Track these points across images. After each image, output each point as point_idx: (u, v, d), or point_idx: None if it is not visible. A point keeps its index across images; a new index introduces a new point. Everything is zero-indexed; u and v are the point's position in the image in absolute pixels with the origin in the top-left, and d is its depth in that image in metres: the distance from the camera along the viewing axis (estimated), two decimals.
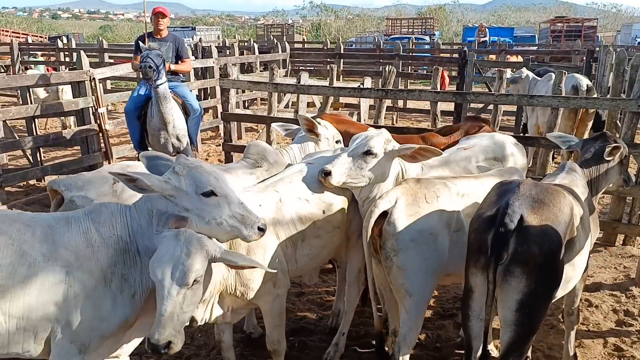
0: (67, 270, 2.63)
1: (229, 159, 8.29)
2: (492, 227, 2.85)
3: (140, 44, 6.91)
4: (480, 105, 13.93)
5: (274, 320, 3.53)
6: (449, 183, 3.51)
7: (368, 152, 3.63)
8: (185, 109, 7.27)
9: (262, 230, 2.91)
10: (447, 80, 14.65)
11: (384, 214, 3.27)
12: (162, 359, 3.98)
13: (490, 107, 11.25)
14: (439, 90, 8.97)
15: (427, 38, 34.04)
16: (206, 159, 10.75)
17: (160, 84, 6.56)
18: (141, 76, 6.66)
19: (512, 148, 4.50)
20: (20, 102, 10.86)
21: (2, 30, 36.35)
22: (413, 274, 3.22)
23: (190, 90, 8.00)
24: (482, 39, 26.50)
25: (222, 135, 12.22)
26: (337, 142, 4.55)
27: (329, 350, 4.17)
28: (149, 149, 7.25)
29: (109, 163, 9.11)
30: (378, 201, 3.29)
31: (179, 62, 7.54)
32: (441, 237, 3.28)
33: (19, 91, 11.40)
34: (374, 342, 3.67)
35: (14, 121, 10.64)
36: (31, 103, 9.37)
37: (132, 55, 8.15)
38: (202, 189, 2.79)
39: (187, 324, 2.71)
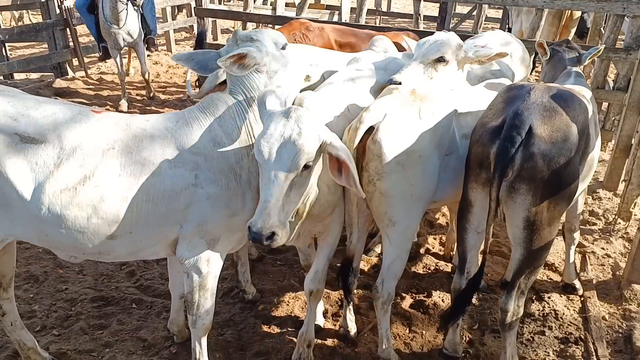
0: (196, 174, 2.51)
1: None
2: (496, 139, 2.56)
3: None
4: (466, 11, 13.59)
5: (332, 251, 3.10)
6: (449, 96, 3.05)
7: (440, 59, 3.23)
8: None
9: None
10: None
11: (370, 130, 2.75)
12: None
13: (475, 12, 10.97)
14: None
15: None
16: None
17: None
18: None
19: (509, 37, 4.44)
20: None
21: None
22: (398, 202, 2.80)
23: None
24: None
25: (196, 33, 11.81)
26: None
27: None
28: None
29: (78, 61, 8.78)
30: (364, 114, 2.71)
31: None
32: (431, 161, 2.83)
33: None
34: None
35: None
36: None
37: None
38: (281, 43, 2.79)
39: (292, 220, 2.42)
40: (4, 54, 8.60)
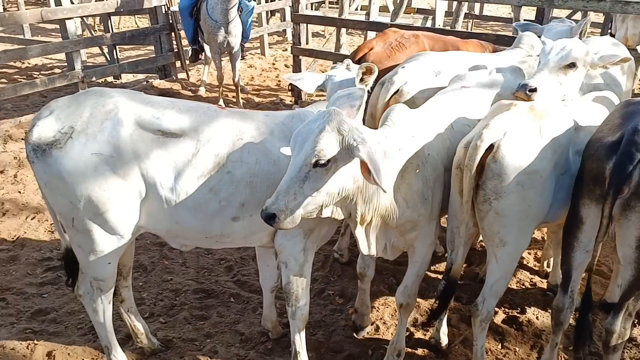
0: None
1: (297, 63, 8.20)
2: (613, 155, 2.50)
3: None
4: (563, 15, 13.00)
5: (421, 269, 3.11)
6: (566, 112, 2.95)
7: (571, 65, 3.20)
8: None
9: None
10: None
11: (489, 149, 2.69)
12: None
13: (576, 16, 10.49)
14: None
15: None
16: (273, 64, 10.72)
17: None
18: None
19: (618, 43, 4.33)
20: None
21: None
22: (512, 222, 2.75)
23: None
24: None
25: (289, 39, 12.11)
26: None
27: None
28: (203, 45, 8.11)
29: (181, 63, 9.29)
30: (484, 132, 2.66)
31: None
32: (550, 181, 2.76)
33: None
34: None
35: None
36: None
37: None
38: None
39: (311, 214, 2.46)
40: (115, 56, 9.30)
